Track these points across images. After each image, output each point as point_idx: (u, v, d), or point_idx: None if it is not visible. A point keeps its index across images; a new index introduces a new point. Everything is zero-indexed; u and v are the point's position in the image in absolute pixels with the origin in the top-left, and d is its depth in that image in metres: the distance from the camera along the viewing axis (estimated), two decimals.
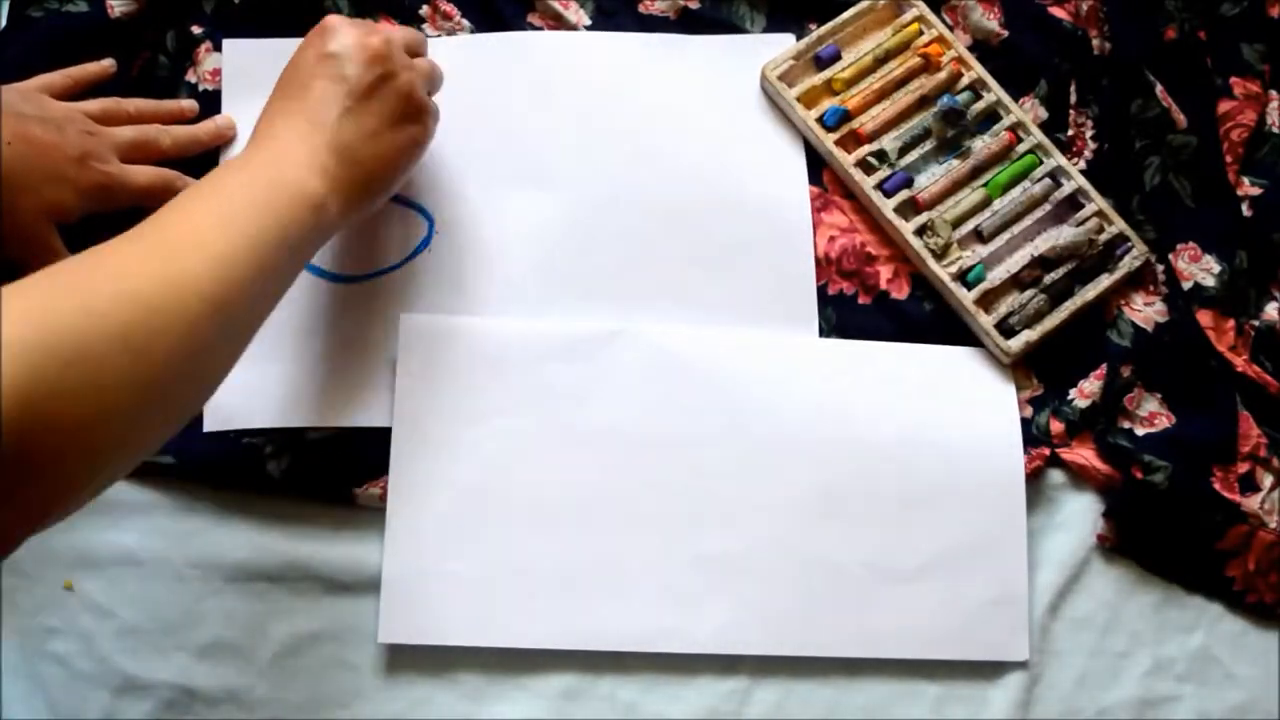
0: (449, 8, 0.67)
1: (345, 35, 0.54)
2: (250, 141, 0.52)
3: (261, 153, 0.51)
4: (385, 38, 0.54)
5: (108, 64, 0.63)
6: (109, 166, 0.57)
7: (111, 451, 0.41)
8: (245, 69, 0.64)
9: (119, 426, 0.41)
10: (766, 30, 0.67)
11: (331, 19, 0.55)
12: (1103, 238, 0.64)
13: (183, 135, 0.62)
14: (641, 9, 0.68)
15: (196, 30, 0.65)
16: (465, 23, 0.66)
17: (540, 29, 0.67)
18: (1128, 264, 0.63)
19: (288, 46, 0.64)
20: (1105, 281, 0.63)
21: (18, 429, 0.37)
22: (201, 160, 0.62)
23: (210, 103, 0.64)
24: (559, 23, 0.67)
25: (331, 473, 0.59)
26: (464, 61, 0.65)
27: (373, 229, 0.63)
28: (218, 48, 0.65)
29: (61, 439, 0.38)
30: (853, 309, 0.63)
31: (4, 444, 0.36)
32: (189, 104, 0.64)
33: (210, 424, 0.59)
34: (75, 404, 0.39)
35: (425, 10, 0.67)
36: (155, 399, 0.42)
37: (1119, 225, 0.64)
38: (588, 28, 0.67)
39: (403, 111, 0.54)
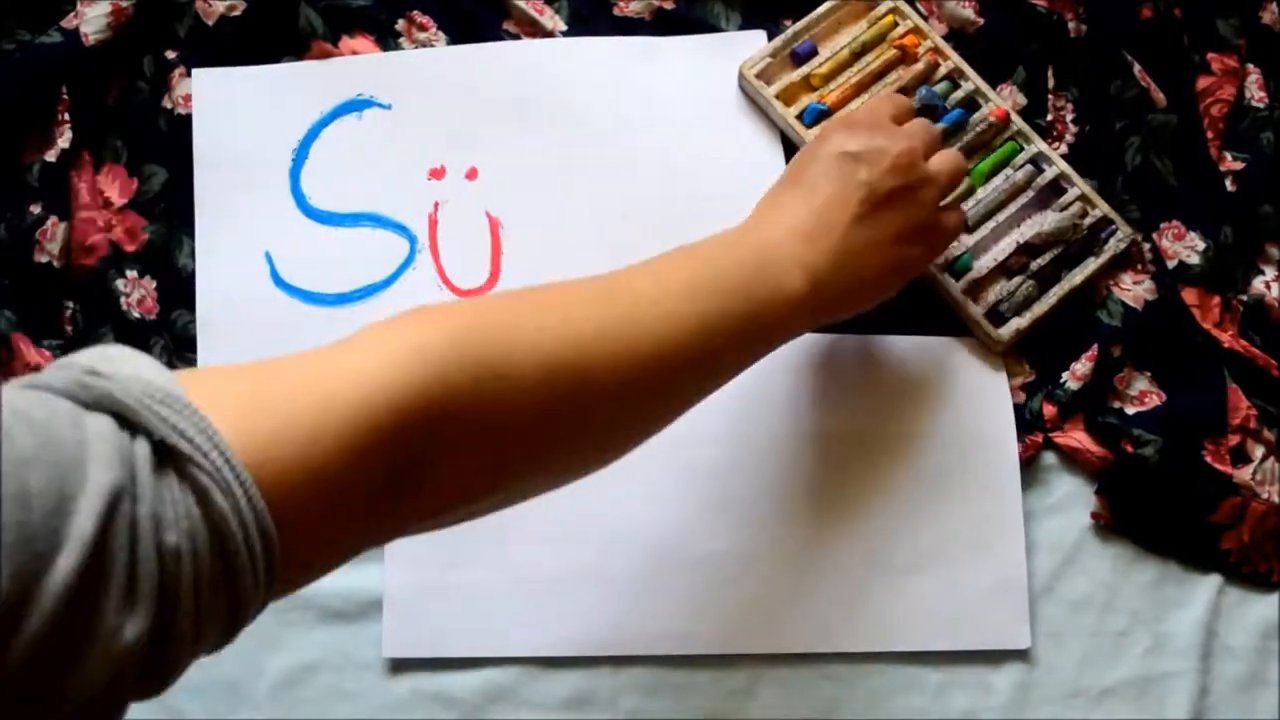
0: (424, 20, 0.66)
1: (870, 137, 0.51)
2: (750, 219, 0.50)
3: (759, 234, 0.49)
4: (911, 146, 0.52)
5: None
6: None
7: (511, 469, 0.41)
8: (215, 97, 0.64)
9: (521, 448, 0.41)
10: (741, 28, 0.67)
11: (857, 114, 0.52)
12: (1087, 222, 0.64)
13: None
14: (616, 11, 0.67)
15: (170, 55, 0.65)
16: (441, 34, 0.66)
17: (517, 36, 0.67)
18: (1113, 247, 0.64)
19: (256, 74, 0.65)
20: (1092, 265, 0.63)
21: (425, 416, 0.36)
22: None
23: (184, 128, 0.64)
24: (535, 29, 0.67)
25: None
26: (442, 73, 0.65)
27: (353, 252, 0.63)
28: (190, 73, 0.64)
29: (466, 438, 0.38)
30: None
31: (414, 431, 0.36)
32: None
33: None
34: (484, 410, 0.38)
35: (401, 24, 0.66)
36: (559, 436, 0.42)
37: (1102, 209, 0.64)
38: (564, 33, 0.67)
39: (912, 228, 0.51)
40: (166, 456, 0.31)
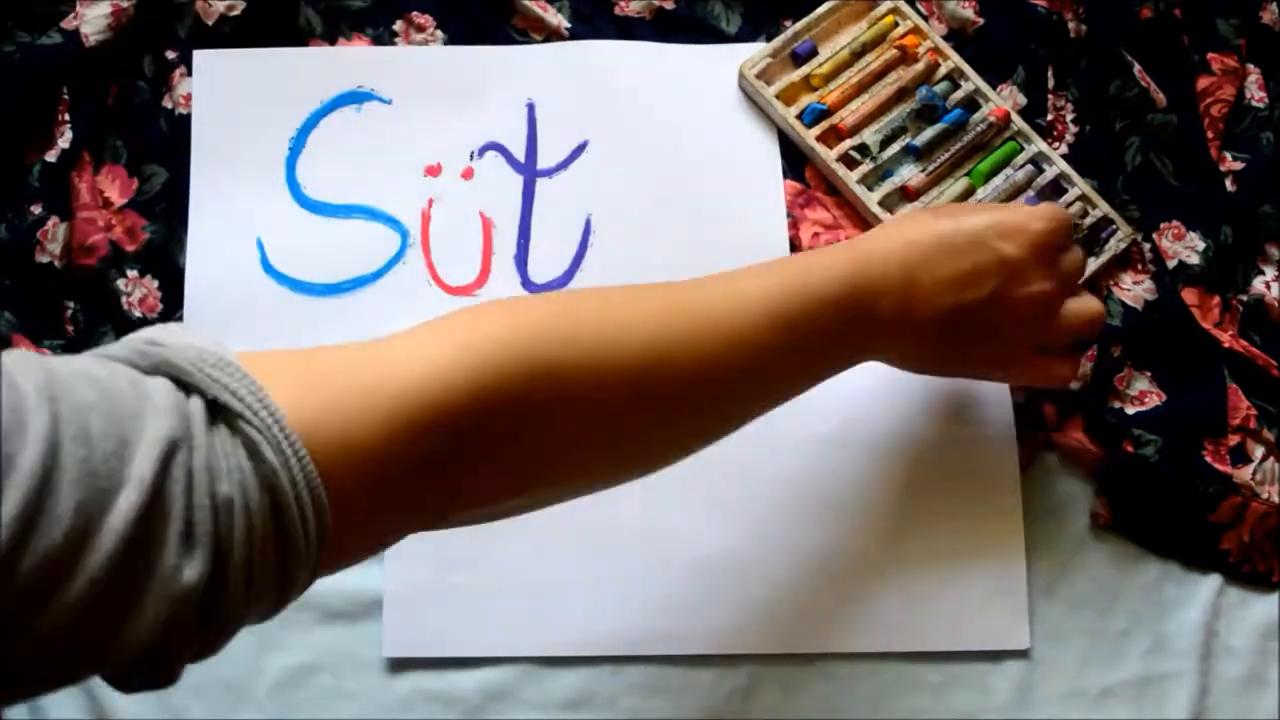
0: (423, 19, 0.66)
1: (1035, 260, 0.50)
2: (858, 239, 0.50)
3: (870, 242, 0.49)
4: (1058, 290, 0.51)
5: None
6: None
7: (551, 471, 0.42)
8: (216, 80, 0.64)
9: (563, 452, 0.42)
10: (742, 28, 0.67)
11: (1034, 226, 0.50)
12: (1087, 222, 0.64)
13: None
14: (618, 10, 0.68)
15: (170, 55, 0.65)
16: (440, 34, 0.66)
17: (523, 31, 0.67)
18: (1113, 247, 0.64)
19: (260, 56, 0.64)
20: (1092, 265, 0.63)
21: (471, 411, 0.37)
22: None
23: (184, 128, 0.64)
24: (540, 25, 0.67)
25: None
26: (444, 73, 0.65)
27: (345, 243, 0.63)
28: (190, 73, 0.64)
29: (509, 436, 0.39)
30: None
31: (458, 423, 0.37)
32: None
33: None
34: (530, 412, 0.39)
35: (399, 25, 0.66)
36: (603, 444, 0.43)
37: (1103, 209, 0.64)
38: (567, 29, 0.67)
39: (1011, 353, 0.52)
40: (219, 414, 0.33)
